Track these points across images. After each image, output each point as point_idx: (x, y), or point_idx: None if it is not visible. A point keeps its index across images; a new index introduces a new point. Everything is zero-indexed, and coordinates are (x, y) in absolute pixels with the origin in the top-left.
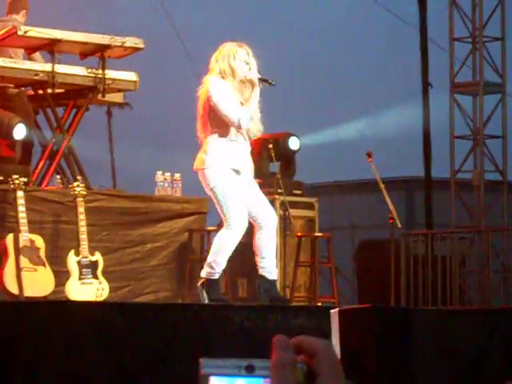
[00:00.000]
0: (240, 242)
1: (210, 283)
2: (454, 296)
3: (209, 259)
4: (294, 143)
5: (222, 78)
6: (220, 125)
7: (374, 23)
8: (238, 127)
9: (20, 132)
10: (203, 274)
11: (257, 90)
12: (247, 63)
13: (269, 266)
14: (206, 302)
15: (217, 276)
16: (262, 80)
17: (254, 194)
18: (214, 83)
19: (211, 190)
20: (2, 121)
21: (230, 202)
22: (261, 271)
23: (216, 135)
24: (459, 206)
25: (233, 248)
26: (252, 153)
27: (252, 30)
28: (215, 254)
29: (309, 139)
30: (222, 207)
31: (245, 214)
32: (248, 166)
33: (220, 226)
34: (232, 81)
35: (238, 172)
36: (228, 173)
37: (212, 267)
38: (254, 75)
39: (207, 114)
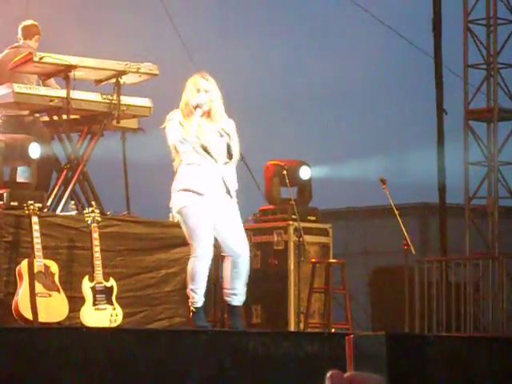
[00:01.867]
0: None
1: (194, 311)
2: (468, 322)
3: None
4: (305, 172)
5: (182, 110)
6: (183, 152)
7: (389, 49)
8: (176, 151)
9: (35, 151)
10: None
11: (196, 114)
12: (206, 91)
13: (236, 294)
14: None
15: (196, 305)
16: (196, 106)
17: (225, 220)
18: (167, 117)
19: (178, 213)
20: (15, 144)
21: (192, 226)
22: (226, 298)
23: (182, 162)
24: (474, 233)
25: (202, 273)
26: (264, 177)
27: (267, 60)
28: (189, 283)
29: (323, 170)
30: (185, 230)
31: (209, 240)
32: (217, 189)
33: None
34: (189, 112)
35: (202, 195)
36: (190, 196)
37: (191, 296)
38: (194, 100)
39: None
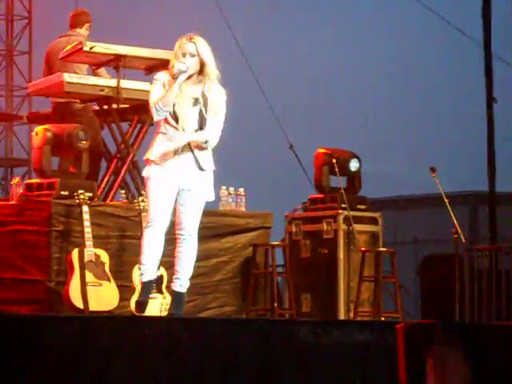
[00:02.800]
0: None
1: (141, 285)
2: None
3: None
4: (354, 165)
5: (170, 74)
6: (156, 121)
7: (439, 39)
8: (154, 120)
9: (82, 139)
10: None
11: (176, 82)
12: (193, 56)
13: (176, 279)
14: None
15: (143, 278)
16: (179, 73)
17: (187, 196)
18: (154, 77)
19: (144, 180)
20: (63, 133)
21: (151, 196)
22: (173, 284)
23: (158, 129)
24: None
25: (150, 246)
26: (314, 166)
27: (328, 55)
28: (140, 255)
29: (372, 165)
30: (147, 201)
31: (165, 210)
32: (183, 161)
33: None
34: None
35: (166, 168)
36: (155, 169)
37: (139, 267)
38: (175, 67)
39: None
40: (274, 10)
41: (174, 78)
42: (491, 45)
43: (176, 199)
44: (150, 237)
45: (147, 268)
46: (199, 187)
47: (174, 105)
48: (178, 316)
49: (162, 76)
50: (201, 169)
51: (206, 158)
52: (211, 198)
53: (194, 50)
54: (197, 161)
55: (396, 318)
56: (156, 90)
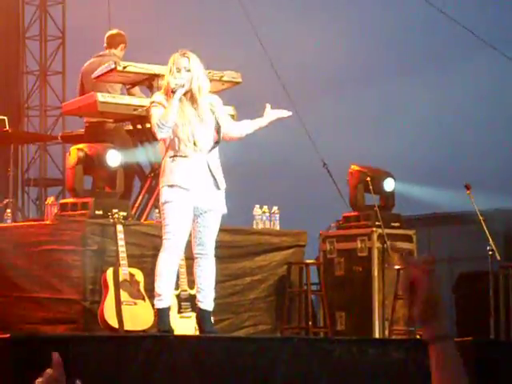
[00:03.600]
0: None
1: (158, 313)
2: None
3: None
4: (388, 185)
5: (165, 94)
6: (168, 142)
7: (478, 58)
8: (159, 138)
9: (113, 159)
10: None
11: (174, 97)
12: (188, 70)
13: (206, 298)
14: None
15: (162, 304)
16: (177, 87)
17: (207, 217)
18: (150, 100)
19: (160, 205)
20: (92, 156)
21: (171, 220)
22: (197, 302)
23: (167, 153)
24: None
25: (170, 271)
26: (349, 184)
27: (366, 70)
28: (156, 278)
29: (406, 187)
30: (163, 225)
31: (184, 235)
32: (204, 183)
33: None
34: (170, 94)
35: (188, 190)
36: (176, 191)
37: (156, 293)
38: (172, 82)
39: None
40: (303, 23)
41: (173, 91)
42: None
43: (195, 220)
44: (173, 262)
45: (167, 294)
46: (219, 206)
47: (190, 126)
48: (213, 334)
49: (158, 97)
50: (218, 188)
51: (221, 177)
52: (225, 211)
53: (188, 64)
54: (215, 180)
55: None
56: (157, 111)
